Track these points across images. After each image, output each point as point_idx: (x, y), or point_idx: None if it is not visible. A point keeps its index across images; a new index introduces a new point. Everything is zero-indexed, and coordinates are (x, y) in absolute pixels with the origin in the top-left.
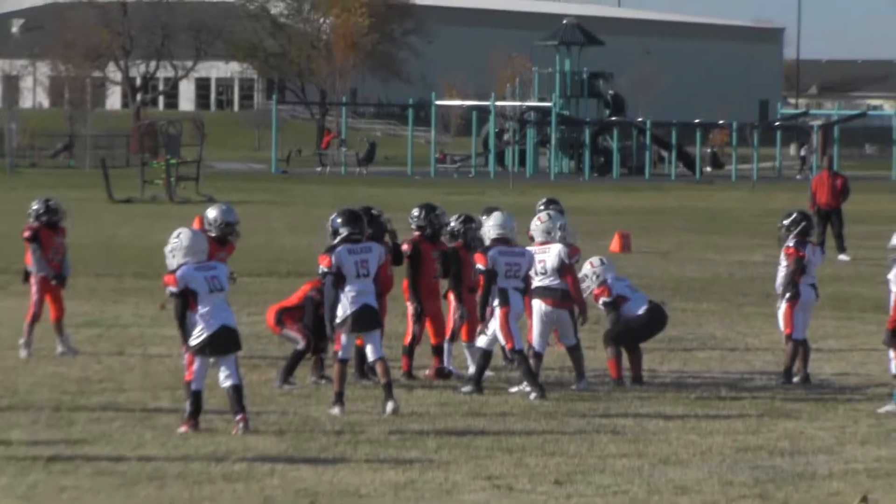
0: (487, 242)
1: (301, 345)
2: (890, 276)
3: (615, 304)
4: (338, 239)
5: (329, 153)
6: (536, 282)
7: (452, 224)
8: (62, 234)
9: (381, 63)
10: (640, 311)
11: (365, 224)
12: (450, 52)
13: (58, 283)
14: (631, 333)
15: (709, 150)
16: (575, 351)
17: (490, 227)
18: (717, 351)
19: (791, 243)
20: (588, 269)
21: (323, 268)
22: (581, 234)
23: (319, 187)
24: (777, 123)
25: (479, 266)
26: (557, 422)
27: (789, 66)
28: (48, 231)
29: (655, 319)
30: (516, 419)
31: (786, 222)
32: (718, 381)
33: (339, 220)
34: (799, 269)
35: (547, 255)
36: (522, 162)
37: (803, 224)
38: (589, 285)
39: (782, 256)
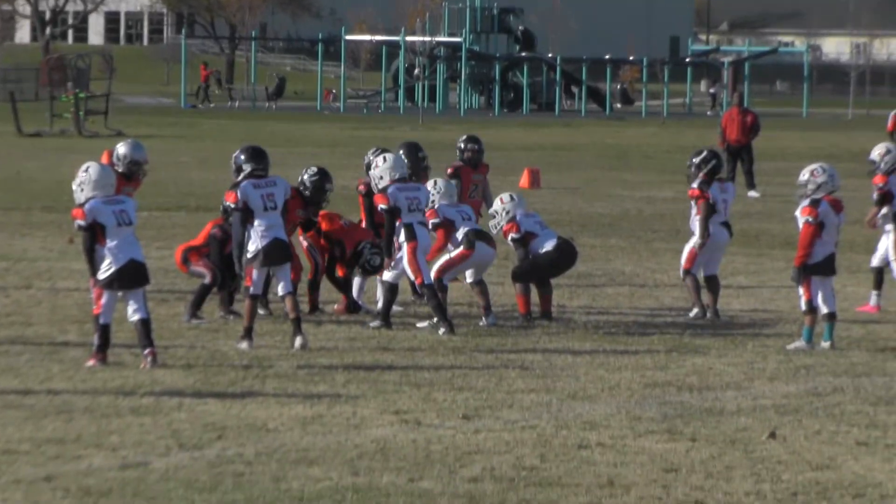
0: (385, 183)
1: (207, 279)
2: (797, 212)
3: (524, 241)
4: (242, 175)
5: (207, 88)
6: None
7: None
8: None
9: None
10: (549, 248)
11: (268, 160)
12: None
13: None
14: (539, 269)
15: (619, 87)
16: (481, 285)
17: (387, 169)
18: (626, 287)
19: (695, 184)
20: (498, 205)
21: (229, 204)
22: (495, 171)
23: (229, 122)
24: (688, 60)
25: (382, 205)
26: (466, 357)
27: (700, 1)
28: None
29: (564, 255)
30: (424, 354)
31: (695, 160)
32: (627, 316)
33: (242, 157)
34: (710, 212)
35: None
36: (432, 98)
37: (713, 163)
38: (499, 221)
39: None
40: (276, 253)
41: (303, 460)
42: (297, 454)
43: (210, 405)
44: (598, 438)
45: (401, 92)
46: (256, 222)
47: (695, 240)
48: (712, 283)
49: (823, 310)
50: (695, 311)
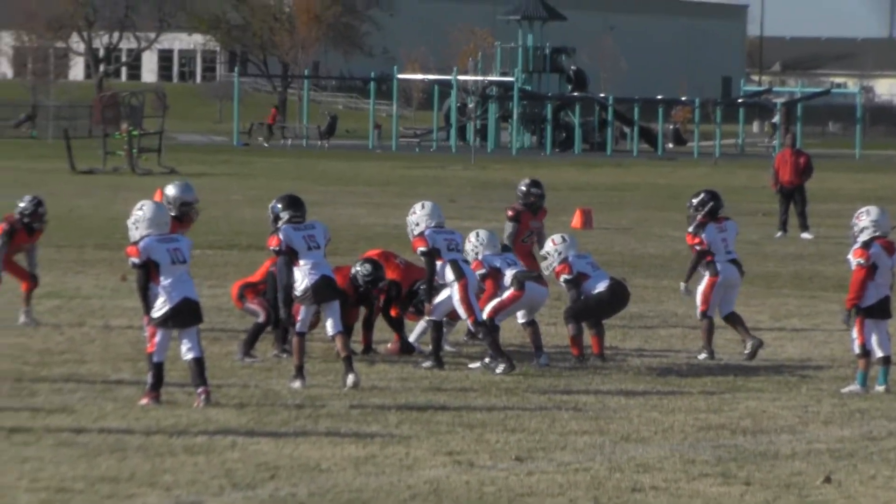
0: (420, 230)
1: (261, 318)
2: (850, 255)
3: (576, 282)
4: (280, 222)
5: (288, 126)
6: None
7: None
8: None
9: (343, 36)
10: (602, 288)
11: (305, 208)
12: (412, 25)
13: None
14: (592, 310)
15: (671, 127)
16: (532, 326)
17: (424, 217)
18: (678, 328)
19: (691, 229)
20: (550, 246)
21: (273, 248)
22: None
23: (281, 160)
24: (740, 100)
25: (421, 248)
26: (519, 398)
27: (752, 43)
28: (24, 233)
29: (617, 296)
30: (477, 395)
31: (694, 202)
32: (680, 358)
33: (279, 205)
34: (701, 258)
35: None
36: (484, 136)
37: (711, 204)
38: (551, 262)
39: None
40: (325, 290)
41: (356, 501)
42: (350, 495)
43: (263, 444)
44: (652, 481)
45: (452, 131)
46: (302, 262)
47: (705, 280)
48: (733, 320)
49: (878, 353)
50: (703, 354)
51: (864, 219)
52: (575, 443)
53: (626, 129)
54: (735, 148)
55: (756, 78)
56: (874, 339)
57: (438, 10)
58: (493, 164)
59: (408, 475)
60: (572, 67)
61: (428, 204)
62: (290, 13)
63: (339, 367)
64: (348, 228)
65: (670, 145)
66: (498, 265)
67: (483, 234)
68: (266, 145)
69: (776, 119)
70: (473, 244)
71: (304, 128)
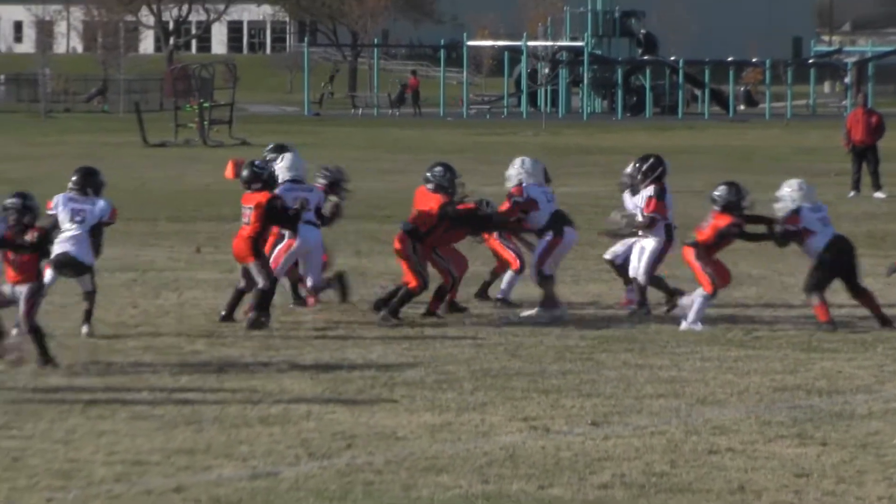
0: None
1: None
2: None
3: (801, 236)
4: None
5: (359, 95)
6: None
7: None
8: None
9: (412, 4)
10: (822, 248)
11: (93, 179)
12: None
13: None
14: (822, 277)
15: (742, 89)
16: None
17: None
18: (754, 290)
19: (651, 192)
20: (786, 190)
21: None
22: (614, 175)
23: (352, 129)
24: (811, 61)
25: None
26: (593, 363)
27: (822, 2)
28: None
29: (840, 252)
30: (552, 360)
31: (643, 167)
32: (755, 320)
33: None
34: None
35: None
36: (555, 102)
37: (660, 169)
38: (784, 205)
39: (639, 200)
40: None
41: (432, 468)
42: (426, 462)
43: (339, 414)
44: (728, 444)
45: (523, 97)
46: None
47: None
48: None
49: None
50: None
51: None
52: (650, 406)
53: (697, 92)
54: (807, 108)
55: (826, 38)
56: None
57: None
58: (564, 130)
59: (483, 442)
60: (642, 31)
61: (528, 161)
62: None
63: (413, 334)
64: None
65: (742, 107)
66: (536, 197)
67: (528, 161)
68: (418, 114)
69: (848, 79)
70: (517, 170)
71: (374, 97)
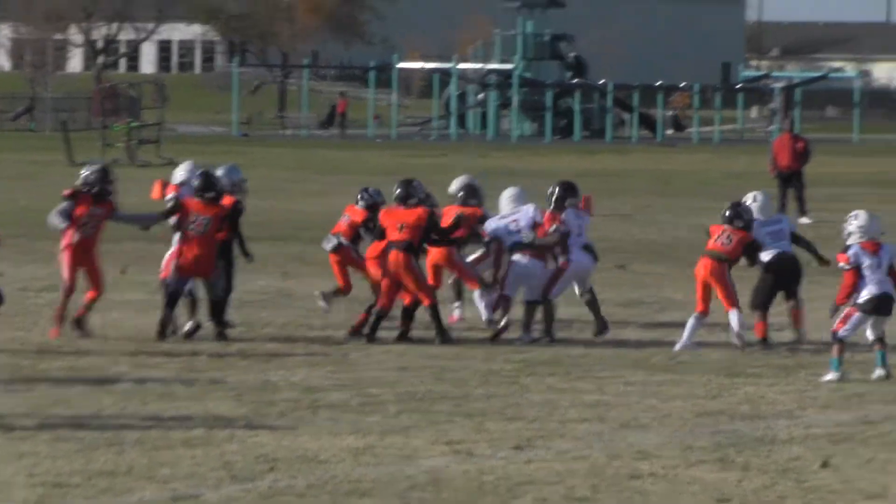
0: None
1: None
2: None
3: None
4: None
5: (288, 116)
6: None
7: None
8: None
9: (342, 25)
10: (765, 264)
11: None
12: (412, 14)
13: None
14: (758, 290)
15: (670, 113)
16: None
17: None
18: (678, 314)
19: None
20: (749, 200)
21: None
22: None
23: (281, 149)
24: (739, 86)
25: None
26: (518, 386)
27: (751, 28)
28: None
29: (782, 270)
30: (477, 384)
31: (554, 191)
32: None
33: None
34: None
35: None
36: (484, 125)
37: (560, 193)
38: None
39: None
40: None
41: (355, 492)
42: (349, 486)
43: (262, 436)
44: (651, 468)
45: (453, 119)
46: None
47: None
48: (546, 307)
49: (870, 336)
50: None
51: (853, 223)
52: (574, 431)
53: (626, 116)
54: (734, 133)
55: (755, 63)
56: (864, 327)
57: None
58: (493, 152)
59: (407, 465)
60: (572, 54)
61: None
62: (291, 3)
63: (338, 357)
64: None
65: (670, 131)
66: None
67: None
68: (336, 132)
69: (775, 104)
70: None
71: (304, 117)
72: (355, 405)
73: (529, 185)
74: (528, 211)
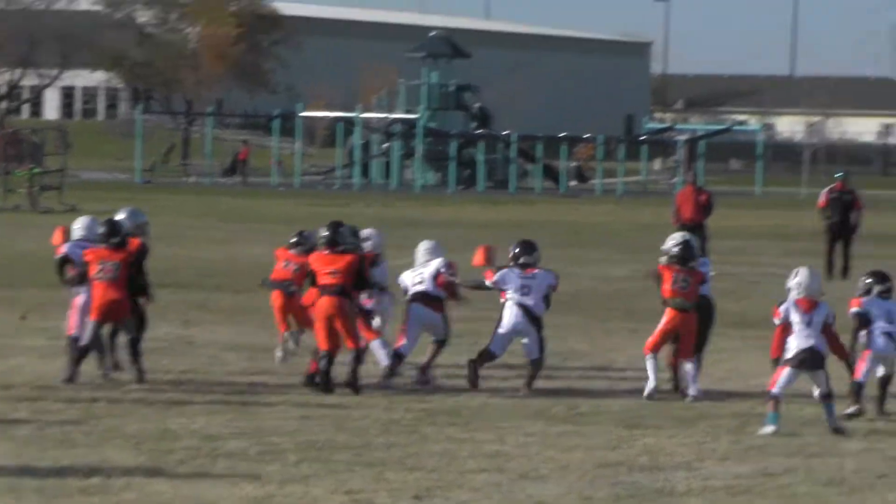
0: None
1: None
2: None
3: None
4: None
5: (191, 163)
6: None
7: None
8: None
9: (247, 74)
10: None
11: None
12: (317, 63)
13: None
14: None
15: (574, 164)
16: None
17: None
18: (580, 366)
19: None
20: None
21: None
22: (447, 248)
23: (184, 197)
24: (643, 138)
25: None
26: (418, 436)
27: (656, 80)
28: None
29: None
30: (377, 433)
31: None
32: (580, 396)
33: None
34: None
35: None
36: (388, 174)
37: (516, 250)
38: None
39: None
40: None
41: None
42: None
43: (159, 485)
44: None
45: (356, 168)
46: None
47: None
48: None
49: (814, 392)
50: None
51: (792, 280)
52: (473, 481)
53: (530, 167)
54: (638, 185)
55: (659, 115)
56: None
57: (343, 47)
58: (396, 202)
59: None
60: (476, 105)
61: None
62: (195, 50)
63: (239, 406)
64: (251, 267)
65: (573, 182)
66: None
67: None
68: (241, 180)
69: (678, 156)
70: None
71: (207, 165)
72: (255, 454)
73: (433, 235)
74: (435, 264)
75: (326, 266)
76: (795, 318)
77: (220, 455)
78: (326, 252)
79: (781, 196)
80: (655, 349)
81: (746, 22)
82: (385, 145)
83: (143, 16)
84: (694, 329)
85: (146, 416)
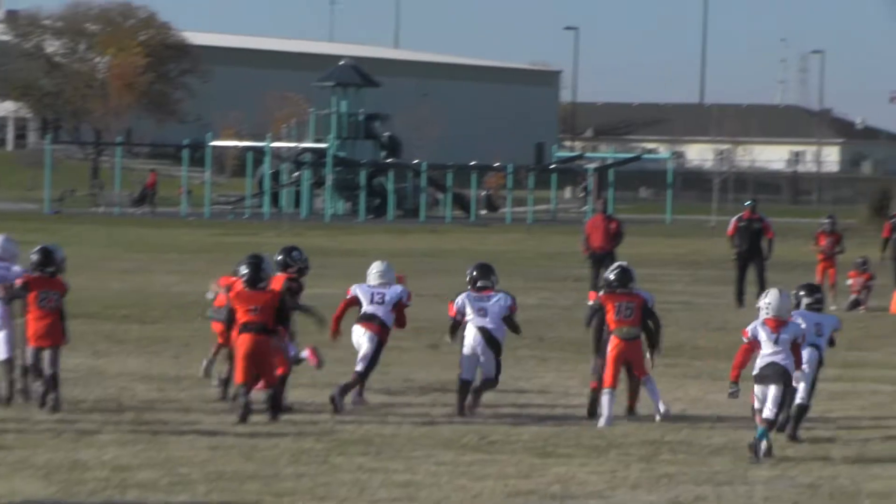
0: None
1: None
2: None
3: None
4: None
5: (100, 193)
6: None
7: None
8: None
9: (156, 103)
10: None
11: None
12: (226, 92)
13: None
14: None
15: (483, 193)
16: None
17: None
18: (490, 393)
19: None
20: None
21: None
22: (355, 277)
23: (92, 227)
24: (552, 166)
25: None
26: (328, 466)
27: (566, 108)
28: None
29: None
30: (286, 463)
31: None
32: (490, 425)
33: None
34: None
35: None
36: (298, 203)
37: (473, 273)
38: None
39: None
40: None
41: None
42: None
43: None
44: None
45: (266, 197)
46: None
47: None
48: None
49: (764, 413)
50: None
51: (762, 300)
52: None
53: (440, 195)
54: (548, 213)
55: (569, 144)
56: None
57: (253, 76)
58: (307, 231)
59: None
60: (386, 134)
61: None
62: (104, 80)
63: (148, 435)
64: (161, 297)
65: (483, 211)
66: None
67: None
68: (151, 211)
69: (588, 184)
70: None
71: (116, 195)
72: (164, 484)
73: (344, 265)
74: (396, 289)
75: (247, 303)
76: (763, 336)
77: (131, 486)
78: (247, 289)
79: (691, 224)
80: (614, 384)
81: (656, 50)
82: (295, 174)
83: (52, 45)
84: (641, 352)
85: (56, 447)
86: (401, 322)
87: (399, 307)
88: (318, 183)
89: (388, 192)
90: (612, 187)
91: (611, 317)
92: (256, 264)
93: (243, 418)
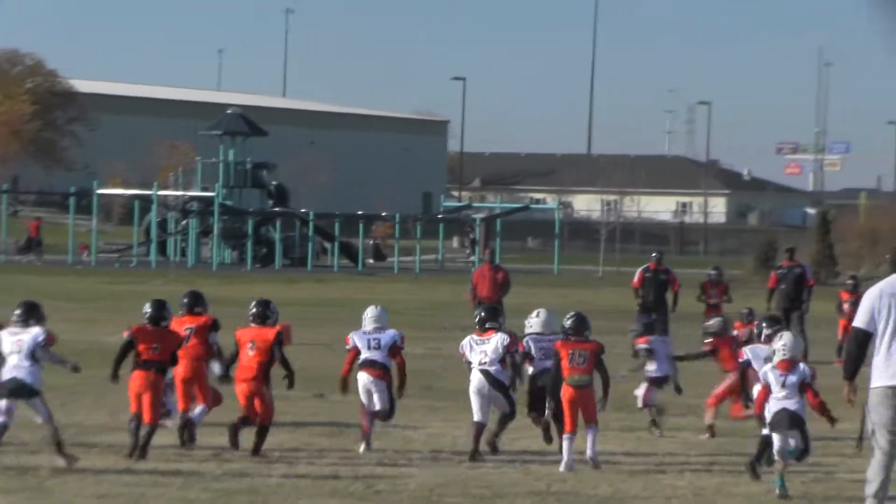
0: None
1: None
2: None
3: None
4: None
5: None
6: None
7: None
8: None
9: (43, 150)
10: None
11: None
12: (114, 140)
13: None
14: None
15: (371, 242)
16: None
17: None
18: (377, 443)
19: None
20: (533, 315)
21: None
22: (243, 323)
23: None
24: (440, 216)
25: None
26: None
27: (453, 158)
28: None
29: (539, 388)
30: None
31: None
32: (377, 475)
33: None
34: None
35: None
36: (185, 252)
37: (481, 314)
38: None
39: None
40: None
41: None
42: None
43: None
44: None
45: (153, 246)
46: None
47: None
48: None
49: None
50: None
51: (777, 343)
52: None
53: (327, 245)
54: (435, 263)
55: (456, 193)
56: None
57: (140, 124)
58: (194, 280)
59: None
60: (273, 182)
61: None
62: None
63: (34, 483)
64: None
65: (371, 260)
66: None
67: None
68: (37, 260)
69: (475, 234)
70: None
71: (2, 243)
72: None
73: (231, 314)
74: (390, 333)
75: (149, 341)
76: (771, 379)
77: None
78: (150, 327)
79: (579, 274)
80: (573, 429)
81: (543, 101)
82: (182, 223)
83: None
84: (593, 399)
85: None
86: (399, 363)
87: (394, 350)
88: (205, 232)
89: (275, 240)
90: (500, 237)
91: (565, 364)
92: (160, 304)
93: (131, 453)
